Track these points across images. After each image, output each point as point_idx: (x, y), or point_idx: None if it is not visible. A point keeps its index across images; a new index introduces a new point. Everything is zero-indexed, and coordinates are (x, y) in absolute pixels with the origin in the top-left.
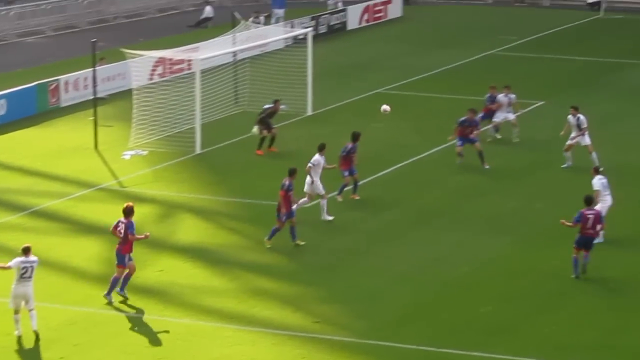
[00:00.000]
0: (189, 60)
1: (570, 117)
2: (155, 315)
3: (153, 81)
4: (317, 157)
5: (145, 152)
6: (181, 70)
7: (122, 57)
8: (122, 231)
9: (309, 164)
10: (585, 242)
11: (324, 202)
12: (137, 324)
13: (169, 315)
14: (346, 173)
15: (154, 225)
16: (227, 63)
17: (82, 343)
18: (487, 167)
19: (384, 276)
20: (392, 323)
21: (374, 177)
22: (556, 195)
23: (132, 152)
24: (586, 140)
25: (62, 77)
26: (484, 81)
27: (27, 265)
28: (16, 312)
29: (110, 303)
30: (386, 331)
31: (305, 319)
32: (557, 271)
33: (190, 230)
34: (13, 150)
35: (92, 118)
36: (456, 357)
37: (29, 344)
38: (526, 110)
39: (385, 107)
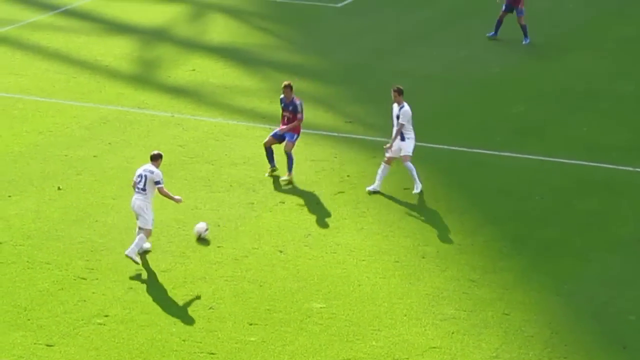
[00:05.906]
0: None
1: None
2: (187, 115)
3: None
4: None
5: None
6: None
7: None
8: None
9: None
10: None
11: None
12: (170, 123)
13: (202, 114)
14: None
15: (186, 25)
16: None
17: (115, 142)
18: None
19: (414, 76)
20: (423, 123)
21: None
22: None
23: None
24: None
25: None
26: None
27: (142, 174)
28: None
29: None
30: (417, 132)
31: (337, 119)
32: (589, 70)
33: (221, 29)
34: None
35: None
36: (487, 157)
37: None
38: None
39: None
